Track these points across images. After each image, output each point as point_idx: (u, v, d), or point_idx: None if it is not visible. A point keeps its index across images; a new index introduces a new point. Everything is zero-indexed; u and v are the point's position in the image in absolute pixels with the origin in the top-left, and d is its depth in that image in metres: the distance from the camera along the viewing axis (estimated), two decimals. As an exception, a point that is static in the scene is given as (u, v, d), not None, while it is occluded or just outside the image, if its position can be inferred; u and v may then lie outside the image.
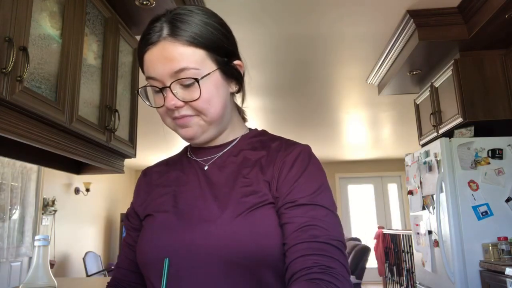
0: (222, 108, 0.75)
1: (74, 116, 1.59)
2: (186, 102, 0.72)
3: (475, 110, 2.71)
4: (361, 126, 5.62)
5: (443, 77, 2.94)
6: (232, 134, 0.82)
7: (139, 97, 2.31)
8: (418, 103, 3.48)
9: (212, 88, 0.73)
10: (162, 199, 0.78)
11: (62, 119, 1.50)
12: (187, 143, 0.87)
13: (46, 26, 1.46)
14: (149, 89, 0.75)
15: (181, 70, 0.70)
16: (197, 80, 0.70)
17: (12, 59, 1.21)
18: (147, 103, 0.77)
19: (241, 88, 0.81)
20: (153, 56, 0.71)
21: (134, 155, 2.22)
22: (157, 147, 6.56)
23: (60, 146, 1.56)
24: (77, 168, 2.11)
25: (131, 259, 0.83)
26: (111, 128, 1.90)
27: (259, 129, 0.87)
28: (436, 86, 3.07)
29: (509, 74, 2.72)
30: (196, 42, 0.71)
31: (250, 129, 0.86)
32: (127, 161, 2.30)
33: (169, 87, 0.71)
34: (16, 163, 4.58)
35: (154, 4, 2.11)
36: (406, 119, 5.11)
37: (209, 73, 0.72)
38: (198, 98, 0.71)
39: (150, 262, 0.72)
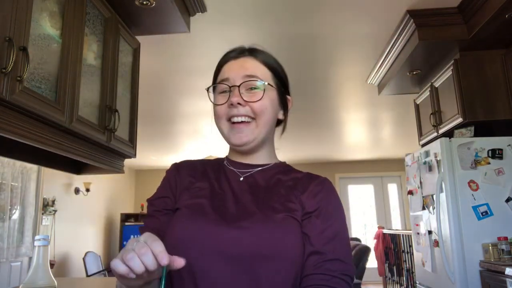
0: (270, 121, 0.89)
1: (74, 116, 1.59)
2: (247, 102, 0.85)
3: (475, 110, 2.70)
4: (361, 126, 5.62)
5: (443, 77, 2.94)
6: (268, 158, 0.93)
7: (139, 97, 2.32)
8: (418, 103, 3.48)
9: (269, 101, 0.88)
10: (202, 192, 0.86)
11: (62, 119, 1.50)
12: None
13: (46, 26, 1.46)
14: (215, 93, 0.89)
15: (252, 76, 0.86)
16: (264, 84, 0.87)
17: (12, 59, 1.21)
18: (211, 99, 0.90)
19: (284, 120, 0.96)
20: (232, 65, 0.89)
21: (134, 155, 2.22)
22: (157, 147, 6.55)
23: (60, 146, 1.56)
24: (77, 168, 2.11)
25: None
26: (111, 128, 1.90)
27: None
28: (436, 86, 3.06)
29: (509, 74, 2.72)
30: (267, 64, 0.91)
31: (279, 160, 0.98)
32: (127, 161, 2.30)
33: (239, 86, 0.85)
34: (16, 163, 4.58)
35: (154, 4, 2.11)
36: (406, 119, 5.11)
37: (272, 85, 0.89)
38: (259, 100, 0.85)
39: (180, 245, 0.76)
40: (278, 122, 0.96)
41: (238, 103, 0.84)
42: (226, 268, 0.73)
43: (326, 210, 0.82)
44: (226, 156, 0.97)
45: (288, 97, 0.96)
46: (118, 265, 0.59)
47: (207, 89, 0.92)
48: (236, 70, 0.87)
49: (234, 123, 0.86)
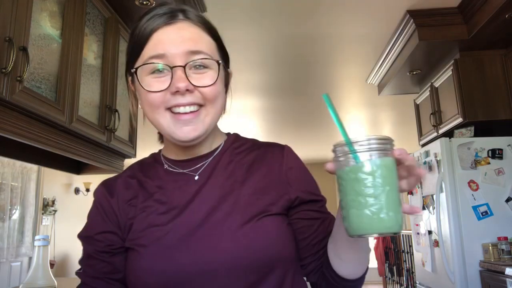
0: (222, 106, 0.73)
1: (74, 116, 1.59)
2: (196, 87, 0.66)
3: (475, 110, 2.71)
4: (361, 126, 5.62)
5: (443, 77, 2.94)
6: (216, 141, 0.77)
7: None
8: (418, 103, 3.48)
9: (221, 82, 0.71)
10: (152, 217, 0.69)
11: (62, 119, 1.50)
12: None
13: (46, 26, 1.46)
14: (142, 74, 0.67)
15: (198, 52, 0.66)
16: (219, 63, 0.68)
17: (12, 59, 1.20)
18: (143, 86, 0.67)
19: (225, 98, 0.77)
20: (166, 34, 0.67)
21: (134, 155, 2.22)
22: (157, 147, 6.55)
23: (60, 146, 1.56)
24: (77, 168, 2.11)
25: None
26: (111, 128, 1.90)
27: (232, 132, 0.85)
28: (436, 86, 3.07)
29: (509, 74, 2.72)
30: (210, 30, 0.71)
31: (226, 134, 0.81)
32: (127, 161, 2.29)
33: (184, 66, 0.65)
34: (16, 163, 4.58)
35: (154, 4, 2.11)
36: (406, 119, 5.10)
37: (222, 64, 0.70)
38: (213, 83, 0.67)
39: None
40: None
41: (187, 90, 0.65)
42: None
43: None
44: (162, 155, 0.79)
45: (230, 70, 0.77)
46: None
47: (135, 70, 0.68)
48: (174, 43, 0.66)
49: (177, 113, 0.67)
